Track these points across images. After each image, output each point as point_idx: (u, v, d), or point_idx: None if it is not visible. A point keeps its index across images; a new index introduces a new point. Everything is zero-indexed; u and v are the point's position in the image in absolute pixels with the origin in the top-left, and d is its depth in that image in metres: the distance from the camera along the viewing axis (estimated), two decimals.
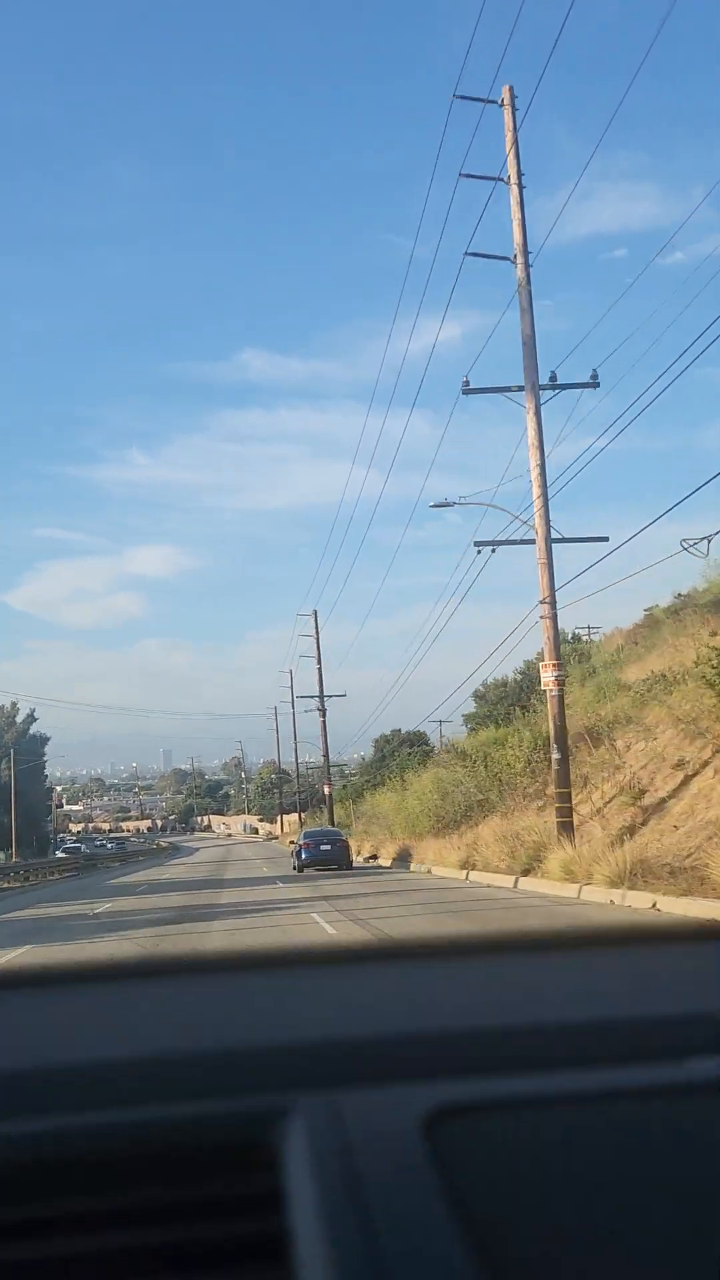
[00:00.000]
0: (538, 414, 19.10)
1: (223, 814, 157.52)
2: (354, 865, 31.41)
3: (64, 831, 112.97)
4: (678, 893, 12.35)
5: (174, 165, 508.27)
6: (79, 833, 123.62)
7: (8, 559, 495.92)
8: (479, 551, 19.86)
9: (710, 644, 18.49)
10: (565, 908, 13.76)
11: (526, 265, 19.35)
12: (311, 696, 54.55)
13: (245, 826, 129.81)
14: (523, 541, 19.38)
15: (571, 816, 18.37)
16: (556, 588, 18.82)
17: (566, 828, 18.07)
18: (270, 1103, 0.78)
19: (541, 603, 18.76)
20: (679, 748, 20.54)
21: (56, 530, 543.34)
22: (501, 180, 19.61)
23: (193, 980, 1.09)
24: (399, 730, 65.13)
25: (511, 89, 19.49)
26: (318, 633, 55.11)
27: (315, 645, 54.77)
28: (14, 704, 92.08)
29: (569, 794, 18.53)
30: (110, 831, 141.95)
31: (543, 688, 19.17)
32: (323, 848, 30.17)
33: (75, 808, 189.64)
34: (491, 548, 19.75)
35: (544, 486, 18.94)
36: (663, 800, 18.73)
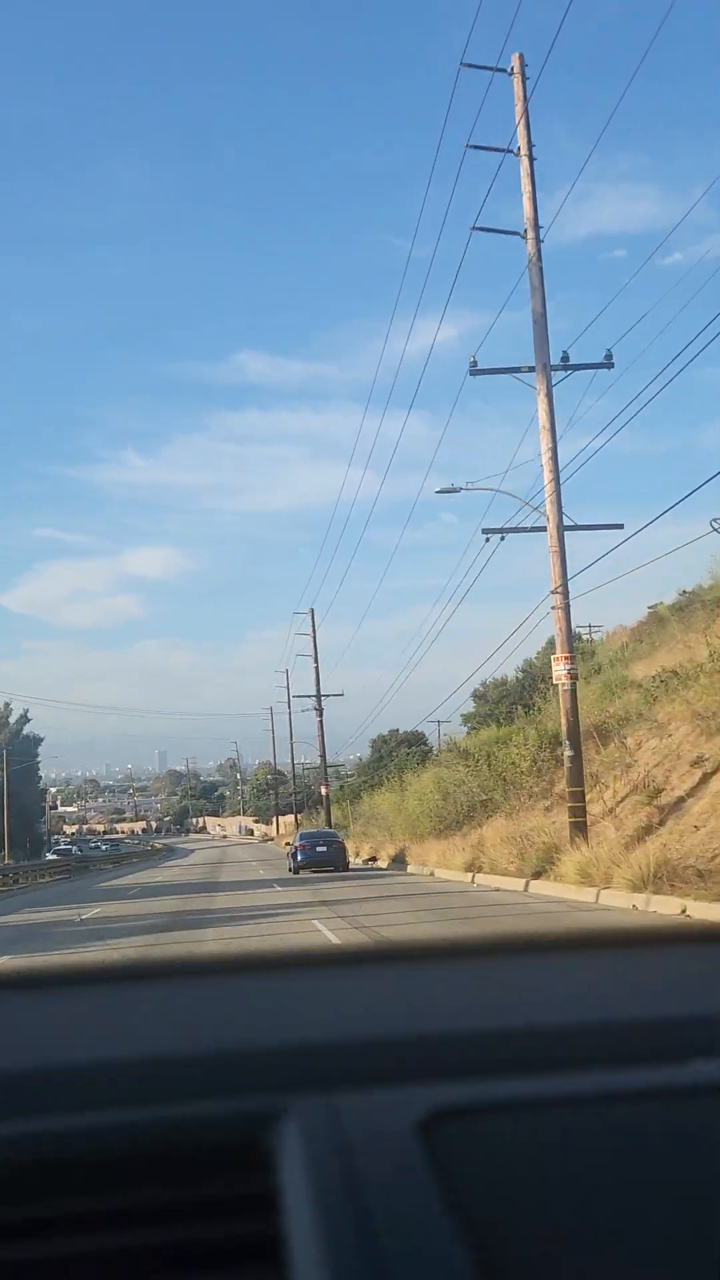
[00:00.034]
0: (549, 395, 18.23)
1: (218, 815, 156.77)
2: (351, 867, 31.01)
3: (58, 833, 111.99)
4: (711, 897, 11.47)
5: (174, 165, 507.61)
6: (73, 834, 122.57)
7: (7, 559, 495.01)
8: (487, 539, 18.99)
9: None
10: (585, 913, 12.88)
11: (537, 240, 18.49)
12: (309, 696, 53.80)
13: (240, 828, 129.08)
14: (533, 529, 18.51)
15: (585, 816, 17.49)
16: (569, 577, 17.95)
17: (580, 828, 17.20)
18: (268, 1104, 0.78)
19: (553, 593, 17.88)
20: (695, 744, 19.73)
21: (56, 531, 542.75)
22: (510, 152, 18.75)
23: (191, 982, 1.09)
24: (397, 730, 64.54)
25: (521, 57, 18.63)
26: (314, 631, 54.37)
27: (312, 644, 54.03)
28: (7, 704, 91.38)
29: (582, 793, 17.65)
30: (105, 833, 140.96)
31: (554, 681, 18.28)
32: (319, 849, 29.94)
33: (70, 809, 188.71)
34: (500, 536, 18.88)
35: (556, 471, 18.07)
36: (680, 799, 17.87)
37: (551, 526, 17.94)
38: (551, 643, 46.64)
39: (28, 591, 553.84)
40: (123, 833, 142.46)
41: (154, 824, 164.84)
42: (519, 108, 18.47)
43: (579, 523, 18.67)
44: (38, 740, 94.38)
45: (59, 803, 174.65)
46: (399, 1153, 0.72)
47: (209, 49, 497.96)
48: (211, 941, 11.97)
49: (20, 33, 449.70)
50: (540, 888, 16.58)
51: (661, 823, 17.48)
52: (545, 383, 18.20)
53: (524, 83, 18.46)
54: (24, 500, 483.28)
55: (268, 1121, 0.76)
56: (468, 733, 40.90)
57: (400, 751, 57.37)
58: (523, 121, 18.57)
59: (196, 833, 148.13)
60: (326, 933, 12.17)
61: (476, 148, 18.70)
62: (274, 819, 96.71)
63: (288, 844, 37.61)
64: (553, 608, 17.96)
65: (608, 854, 14.60)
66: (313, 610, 55.00)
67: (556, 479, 18.02)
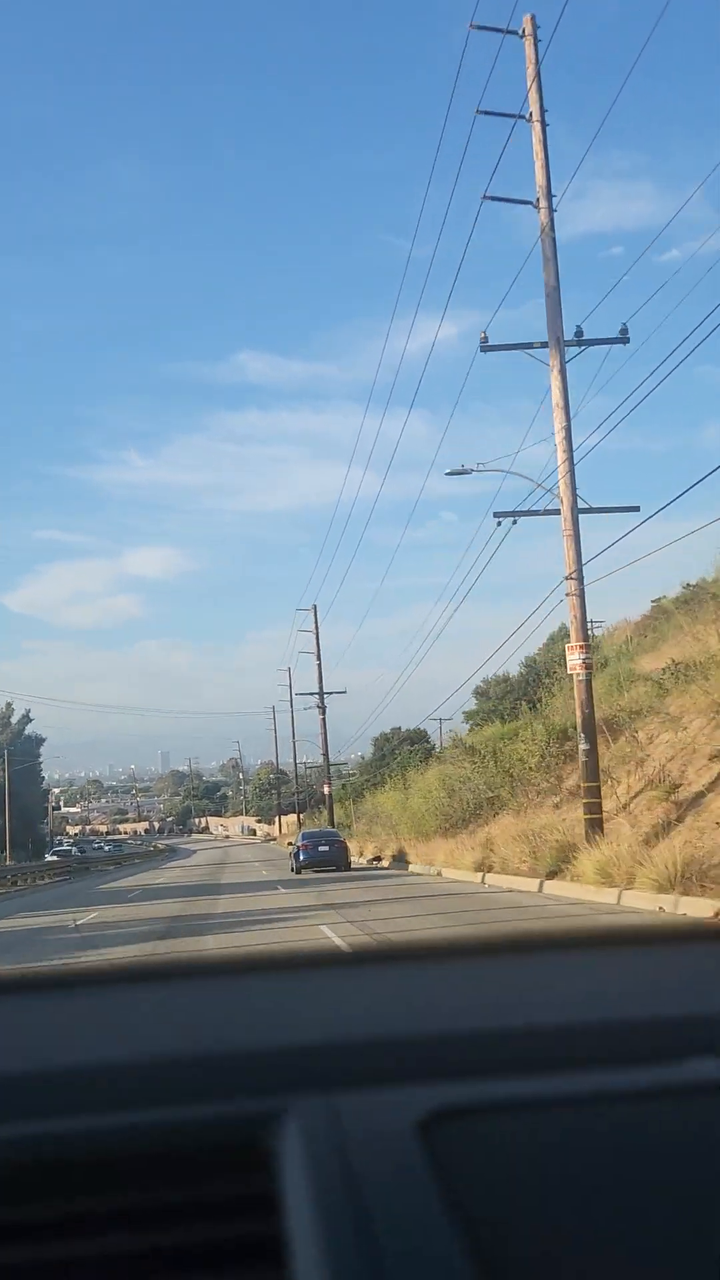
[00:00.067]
0: (563, 372, 17.42)
1: (220, 815, 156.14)
2: (354, 867, 30.59)
3: (61, 834, 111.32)
4: None
5: (174, 165, 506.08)
6: (77, 835, 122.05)
7: (7, 560, 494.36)
8: (499, 523, 18.16)
9: None
10: (608, 916, 12.05)
11: (550, 209, 17.68)
12: (311, 694, 53.10)
13: (243, 828, 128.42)
14: (546, 512, 17.69)
15: (601, 813, 16.68)
16: (583, 562, 17.13)
17: (596, 825, 16.39)
18: (268, 1104, 0.78)
19: (567, 578, 17.06)
20: (711, 738, 18.95)
21: (56, 531, 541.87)
22: (522, 118, 17.94)
23: (191, 982, 1.09)
24: (399, 728, 63.97)
25: (534, 18, 17.81)
26: (317, 627, 53.65)
27: (315, 640, 53.28)
28: (9, 704, 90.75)
29: (599, 788, 16.83)
30: (108, 834, 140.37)
31: (569, 671, 17.46)
32: (321, 848, 29.83)
33: (73, 810, 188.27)
34: (513, 520, 18.04)
35: (569, 451, 17.25)
36: (699, 794, 17.05)
37: (565, 509, 17.13)
38: (554, 638, 46.24)
39: (28, 592, 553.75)
40: (125, 833, 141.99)
41: (157, 824, 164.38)
42: (530, 71, 17.65)
43: (593, 505, 17.83)
44: (40, 740, 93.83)
45: (62, 803, 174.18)
46: (399, 1153, 0.72)
47: (209, 49, 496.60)
48: (213, 950, 11.17)
49: (20, 33, 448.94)
50: (556, 888, 15.76)
51: (680, 819, 16.67)
52: (559, 358, 17.39)
53: (536, 45, 17.64)
54: (24, 500, 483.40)
55: (268, 1122, 0.76)
56: (469, 730, 40.33)
57: (403, 749, 56.86)
58: (534, 85, 17.76)
59: (199, 833, 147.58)
60: (335, 939, 11.36)
61: (487, 113, 17.88)
62: (276, 819, 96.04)
63: (290, 844, 37.27)
64: (566, 594, 17.14)
65: (628, 852, 13.78)
66: (315, 606, 54.33)
67: (570, 459, 17.21)
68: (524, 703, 37.61)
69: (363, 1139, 0.73)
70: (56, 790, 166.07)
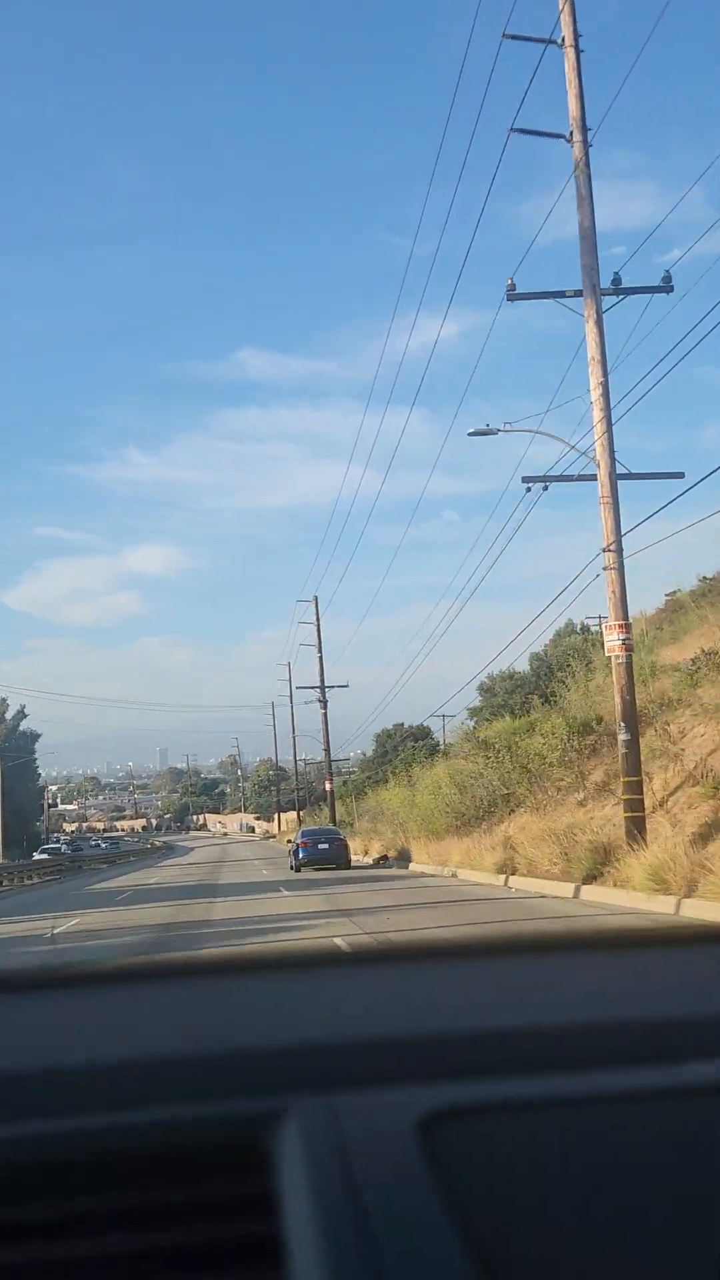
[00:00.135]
0: (599, 323, 15.71)
1: (219, 813, 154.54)
2: (359, 866, 29.72)
3: (58, 831, 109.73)
4: None
5: (174, 165, 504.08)
6: (73, 832, 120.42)
7: (8, 558, 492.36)
8: (528, 489, 16.44)
9: None
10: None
11: (585, 143, 15.97)
12: (312, 687, 51.50)
13: (242, 825, 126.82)
14: (581, 477, 16.00)
15: (644, 811, 15.00)
16: (622, 533, 15.43)
17: (638, 825, 14.71)
18: (268, 1104, 0.78)
19: (605, 550, 15.35)
20: None
21: (57, 529, 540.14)
22: (554, 43, 16.23)
23: (191, 982, 1.09)
24: (401, 725, 62.57)
25: None
26: (318, 619, 52.11)
27: (316, 632, 51.68)
28: (4, 699, 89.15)
29: (640, 783, 15.15)
30: (105, 831, 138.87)
31: (607, 654, 15.77)
32: (320, 846, 29.41)
33: (70, 807, 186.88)
34: (544, 485, 16.33)
35: (607, 410, 15.55)
36: None
37: (603, 473, 15.42)
38: (561, 634, 44.55)
39: (29, 590, 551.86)
40: (123, 830, 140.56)
41: (154, 821, 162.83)
42: None
43: (633, 471, 16.13)
44: (34, 736, 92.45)
45: (59, 801, 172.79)
46: (398, 1153, 0.72)
47: (209, 49, 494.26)
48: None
49: (20, 33, 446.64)
50: (596, 894, 14.05)
51: None
52: (595, 308, 15.68)
53: None
54: (25, 499, 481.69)
55: (267, 1122, 0.76)
56: (475, 726, 39.00)
57: (406, 746, 55.50)
58: (567, 7, 16.05)
59: (197, 830, 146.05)
60: None
61: (514, 38, 16.17)
62: (275, 816, 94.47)
63: (289, 841, 36.25)
64: (604, 568, 15.43)
65: (685, 855, 12.07)
66: (316, 598, 52.74)
67: (608, 418, 15.51)
68: (536, 697, 36.27)
69: (362, 1139, 0.73)
70: (53, 788, 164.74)
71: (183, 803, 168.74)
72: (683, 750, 19.47)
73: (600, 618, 48.84)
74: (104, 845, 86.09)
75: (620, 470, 15.72)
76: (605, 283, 16.15)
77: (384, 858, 32.24)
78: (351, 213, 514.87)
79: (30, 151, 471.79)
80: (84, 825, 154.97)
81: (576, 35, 16.15)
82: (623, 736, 15.13)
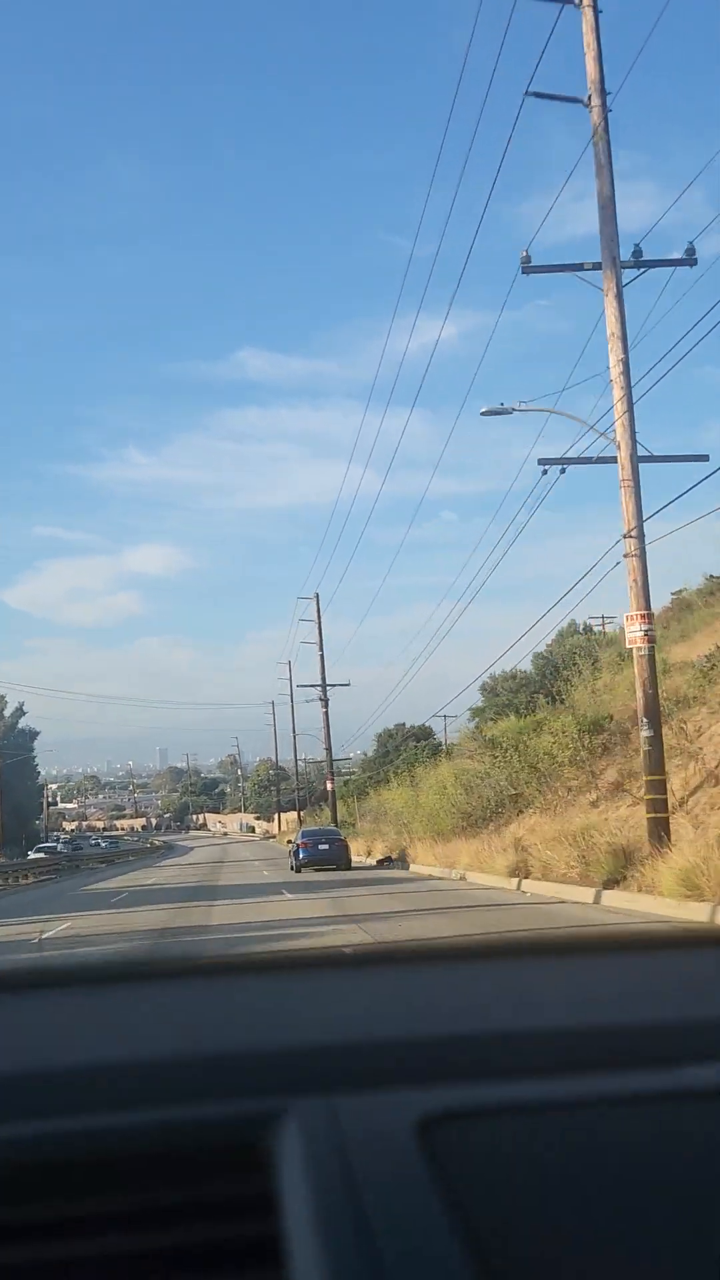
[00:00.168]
0: (619, 296, 14.90)
1: (219, 812, 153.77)
2: (362, 867, 29.21)
3: (57, 829, 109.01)
4: None
5: (174, 165, 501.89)
6: (73, 831, 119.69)
7: (8, 558, 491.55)
8: (544, 471, 15.62)
9: None
10: None
11: (604, 107, 15.17)
12: (313, 685, 50.68)
13: (242, 825, 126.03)
14: (599, 459, 15.19)
15: (667, 811, 14.20)
16: (644, 518, 14.63)
17: (662, 826, 13.91)
18: (268, 1105, 0.78)
19: (626, 536, 14.55)
20: None
21: (56, 529, 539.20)
22: (571, 2, 15.43)
23: (191, 983, 1.09)
24: (403, 724, 61.85)
25: None
26: (319, 616, 51.32)
27: (317, 629, 50.90)
28: (2, 696, 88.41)
29: (664, 782, 14.36)
30: (104, 830, 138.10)
31: (628, 645, 14.98)
32: (321, 847, 29.18)
33: (70, 806, 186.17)
34: (560, 468, 15.52)
35: (628, 388, 14.75)
36: None
37: (624, 455, 14.62)
38: (563, 634, 43.72)
39: (28, 590, 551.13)
40: (122, 829, 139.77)
41: (154, 821, 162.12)
42: None
43: (654, 454, 15.33)
44: (34, 734, 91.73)
45: (59, 799, 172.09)
46: (398, 1154, 0.72)
47: (209, 49, 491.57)
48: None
49: (20, 33, 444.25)
50: (620, 900, 13.25)
51: None
52: (614, 280, 14.88)
53: None
54: (24, 499, 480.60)
55: (267, 1123, 0.76)
56: (477, 725, 38.35)
57: (408, 746, 54.82)
58: None
59: (197, 829, 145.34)
60: None
61: None
62: (276, 816, 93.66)
63: (290, 842, 35.68)
64: (625, 555, 14.63)
65: (719, 858, 11.27)
66: (317, 595, 51.96)
67: (629, 397, 14.71)
68: (541, 696, 35.56)
69: (362, 1140, 0.73)
70: (53, 786, 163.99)
71: (182, 802, 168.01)
72: (700, 749, 18.71)
73: (604, 617, 48.11)
74: (103, 844, 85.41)
75: (641, 453, 14.93)
76: (625, 255, 15.37)
77: (387, 858, 31.47)
78: (351, 213, 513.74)
79: (30, 151, 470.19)
80: (83, 824, 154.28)
81: None
82: (645, 733, 14.34)
